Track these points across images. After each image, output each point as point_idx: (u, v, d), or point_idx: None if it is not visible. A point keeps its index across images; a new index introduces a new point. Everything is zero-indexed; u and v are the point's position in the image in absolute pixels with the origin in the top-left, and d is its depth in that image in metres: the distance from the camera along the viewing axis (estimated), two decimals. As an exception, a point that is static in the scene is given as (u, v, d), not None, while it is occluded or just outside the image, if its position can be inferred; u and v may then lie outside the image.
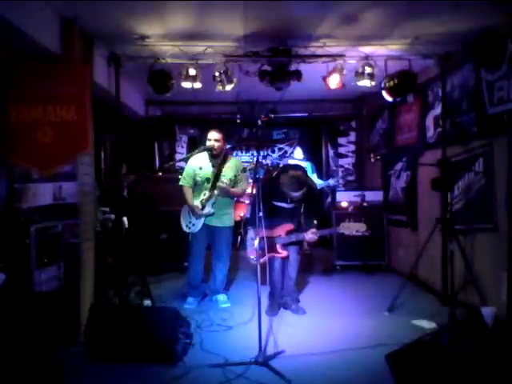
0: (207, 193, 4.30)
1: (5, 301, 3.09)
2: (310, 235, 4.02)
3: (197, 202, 4.34)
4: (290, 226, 4.13)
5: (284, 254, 4.11)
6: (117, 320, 3.19)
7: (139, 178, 6.14)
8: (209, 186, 4.32)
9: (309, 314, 4.14)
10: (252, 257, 4.21)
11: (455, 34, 4.07)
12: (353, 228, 4.03)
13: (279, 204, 4.17)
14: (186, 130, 7.69)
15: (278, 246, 4.10)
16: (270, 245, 4.01)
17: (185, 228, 4.43)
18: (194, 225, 4.36)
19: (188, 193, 4.42)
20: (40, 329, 3.24)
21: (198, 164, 4.40)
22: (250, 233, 4.29)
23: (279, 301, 4.25)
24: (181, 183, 4.48)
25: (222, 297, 4.51)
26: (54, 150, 3.62)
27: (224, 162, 4.40)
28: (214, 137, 4.36)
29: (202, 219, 4.34)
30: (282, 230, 4.12)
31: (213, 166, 4.38)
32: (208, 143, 4.36)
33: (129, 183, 6.07)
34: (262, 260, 3.76)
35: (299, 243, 4.24)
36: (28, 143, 3.60)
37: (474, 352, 2.43)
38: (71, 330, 3.41)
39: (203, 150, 4.39)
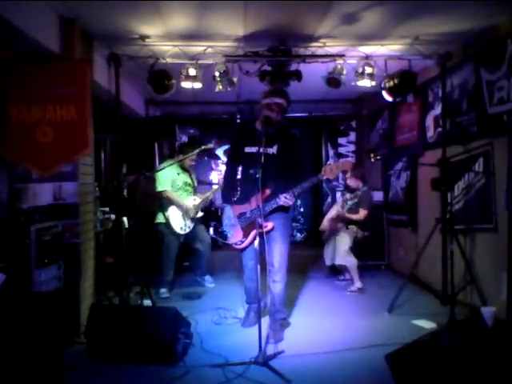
0: (197, 198, 4.96)
1: (5, 301, 3.09)
2: (284, 199, 3.35)
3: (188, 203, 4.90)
4: (265, 193, 3.37)
5: (269, 226, 3.40)
6: (117, 320, 3.19)
7: (139, 178, 6.13)
8: (191, 189, 4.96)
9: (309, 313, 4.14)
10: (235, 241, 3.61)
11: (455, 34, 4.08)
12: (335, 170, 3.28)
13: (252, 150, 3.52)
14: (185, 130, 7.68)
15: (260, 220, 3.26)
16: (250, 222, 3.51)
17: (179, 230, 4.83)
18: (189, 227, 4.91)
19: (175, 195, 4.83)
20: (40, 329, 3.24)
21: (175, 171, 4.91)
22: (227, 210, 3.69)
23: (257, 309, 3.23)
24: (162, 189, 4.81)
25: (207, 277, 5.25)
26: (54, 150, 3.61)
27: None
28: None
29: (194, 222, 4.93)
30: (258, 200, 3.24)
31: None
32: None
33: (129, 183, 6.06)
34: (246, 242, 3.54)
35: (282, 244, 3.52)
36: (28, 143, 3.59)
37: (473, 352, 2.43)
38: (71, 329, 3.41)
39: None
